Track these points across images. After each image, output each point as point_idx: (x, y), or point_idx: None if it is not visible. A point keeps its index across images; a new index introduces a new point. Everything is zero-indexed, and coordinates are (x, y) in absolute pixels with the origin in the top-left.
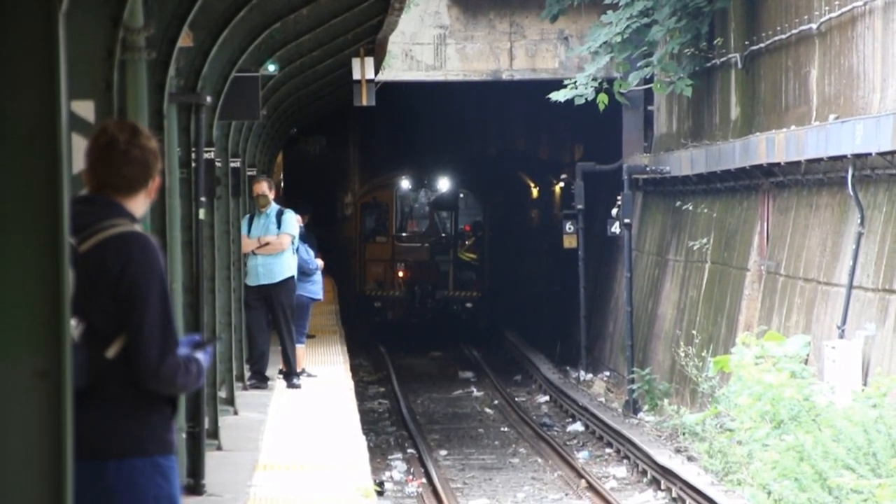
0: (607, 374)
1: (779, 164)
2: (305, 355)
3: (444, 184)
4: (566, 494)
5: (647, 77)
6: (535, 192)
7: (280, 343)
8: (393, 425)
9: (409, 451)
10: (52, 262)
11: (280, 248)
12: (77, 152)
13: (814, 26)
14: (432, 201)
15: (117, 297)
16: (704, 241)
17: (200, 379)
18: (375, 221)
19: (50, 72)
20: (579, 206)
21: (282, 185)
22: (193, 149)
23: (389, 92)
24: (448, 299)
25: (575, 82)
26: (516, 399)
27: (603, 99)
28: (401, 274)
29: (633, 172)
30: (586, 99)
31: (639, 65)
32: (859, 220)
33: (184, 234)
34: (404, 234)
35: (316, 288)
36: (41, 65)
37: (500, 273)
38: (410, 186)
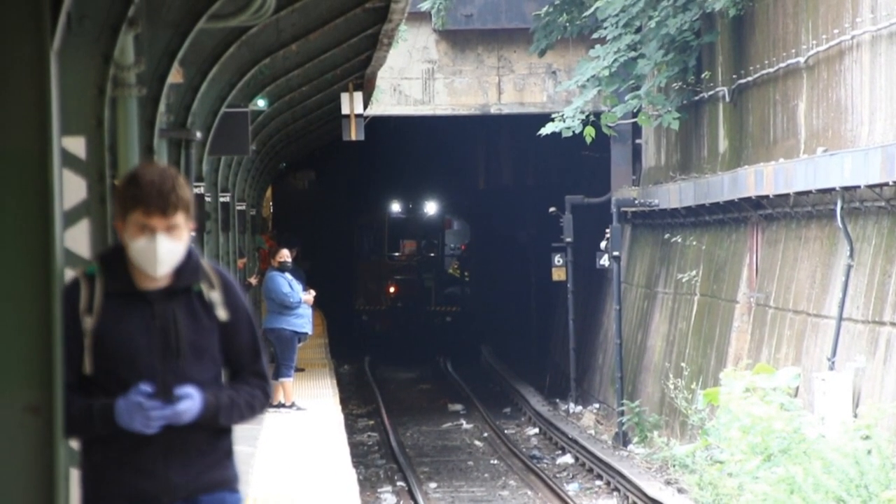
0: (597, 406)
1: (767, 196)
2: (294, 389)
3: (431, 209)
4: None
5: (635, 110)
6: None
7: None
8: (382, 458)
9: (399, 483)
10: (45, 300)
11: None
12: (68, 188)
13: (801, 60)
14: (420, 225)
15: None
16: (693, 273)
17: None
18: (369, 243)
19: (42, 108)
20: (568, 239)
21: (270, 218)
22: None
23: (379, 126)
24: (430, 313)
25: (563, 116)
26: (506, 431)
27: (590, 132)
28: (391, 290)
29: (622, 205)
30: (574, 132)
31: (626, 98)
32: (848, 253)
33: None
34: (395, 255)
35: (302, 321)
36: (33, 101)
37: (482, 292)
38: (401, 212)
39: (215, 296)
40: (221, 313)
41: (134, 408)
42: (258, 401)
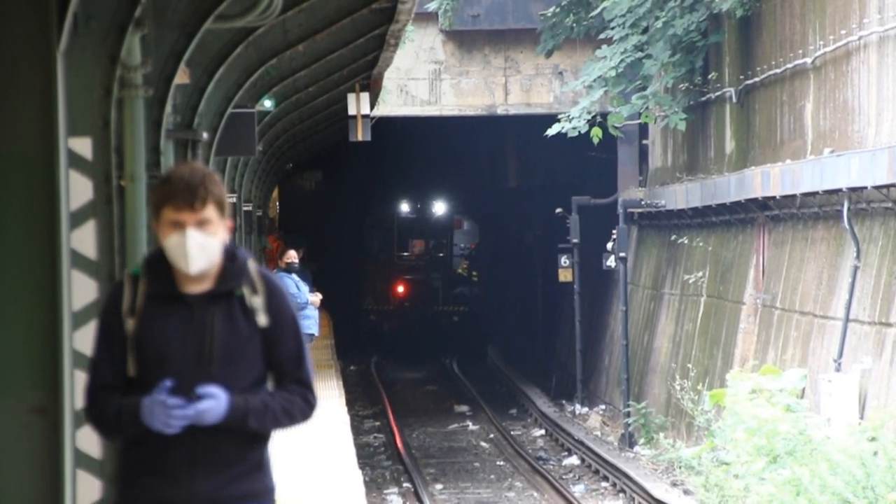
0: (603, 407)
1: (774, 197)
2: None
3: (440, 209)
4: None
5: (641, 111)
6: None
7: None
8: (388, 459)
9: (405, 485)
10: (51, 301)
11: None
12: (74, 189)
13: (808, 61)
14: (429, 225)
15: None
16: (700, 274)
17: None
18: (378, 243)
19: (48, 109)
20: (574, 240)
21: (277, 219)
22: None
23: (386, 126)
24: (438, 313)
25: (569, 116)
26: (512, 433)
27: (597, 132)
28: (400, 289)
29: (629, 206)
30: (580, 132)
31: (633, 98)
32: (855, 254)
33: None
34: (404, 254)
35: (308, 323)
36: (40, 102)
37: (489, 292)
38: (410, 212)
39: (257, 301)
40: (262, 319)
41: (156, 405)
42: (297, 407)
